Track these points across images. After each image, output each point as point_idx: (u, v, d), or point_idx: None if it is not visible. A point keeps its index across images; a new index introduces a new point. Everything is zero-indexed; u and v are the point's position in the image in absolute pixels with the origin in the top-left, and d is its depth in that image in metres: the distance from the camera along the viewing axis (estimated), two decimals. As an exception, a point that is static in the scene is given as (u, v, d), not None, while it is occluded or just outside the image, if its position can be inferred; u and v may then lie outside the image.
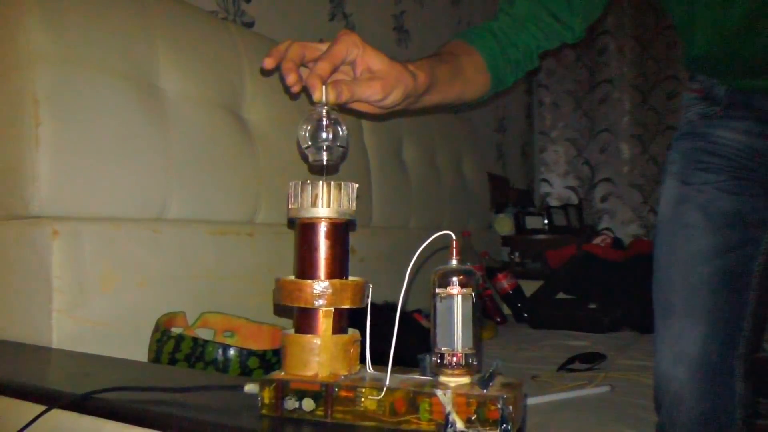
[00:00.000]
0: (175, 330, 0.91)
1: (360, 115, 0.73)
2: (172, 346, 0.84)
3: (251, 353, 0.83)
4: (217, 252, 1.05)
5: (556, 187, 3.05)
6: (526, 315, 1.89)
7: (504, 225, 2.42)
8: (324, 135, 0.53)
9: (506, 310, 1.96)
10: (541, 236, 2.41)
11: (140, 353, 0.88)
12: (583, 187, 3.00)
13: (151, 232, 0.95)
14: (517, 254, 2.45)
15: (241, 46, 1.20)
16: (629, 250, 2.04)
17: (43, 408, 0.53)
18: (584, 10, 0.82)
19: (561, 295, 2.00)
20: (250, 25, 1.44)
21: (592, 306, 1.82)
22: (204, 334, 0.97)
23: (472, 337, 0.47)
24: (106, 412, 0.52)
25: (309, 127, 0.54)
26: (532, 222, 2.44)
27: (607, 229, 2.87)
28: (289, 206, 0.51)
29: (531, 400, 1.01)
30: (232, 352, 0.82)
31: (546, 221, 2.52)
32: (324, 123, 0.53)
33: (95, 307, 0.85)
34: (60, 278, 0.82)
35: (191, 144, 1.03)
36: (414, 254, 0.51)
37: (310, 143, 0.54)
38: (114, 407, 0.52)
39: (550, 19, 0.81)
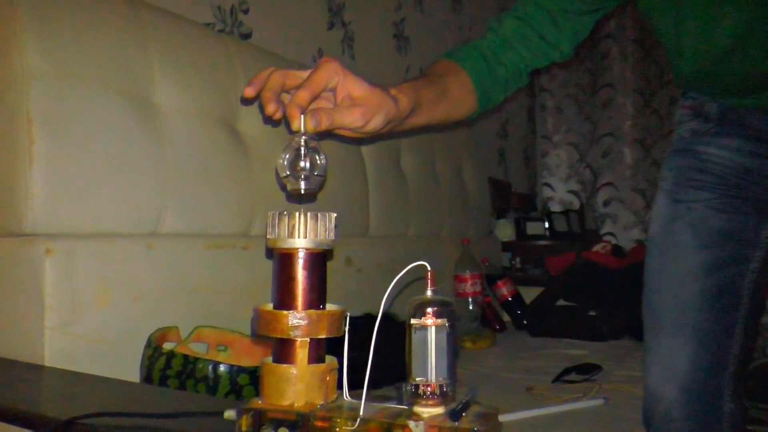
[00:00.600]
0: (167, 345, 0.92)
1: (341, 139, 0.74)
2: (163, 362, 0.84)
3: (242, 370, 0.84)
4: (212, 265, 1.06)
5: (559, 191, 3.04)
6: (525, 323, 1.89)
7: (505, 231, 2.42)
8: (302, 164, 0.54)
9: (506, 318, 1.97)
10: (542, 242, 2.41)
11: (134, 369, 0.89)
12: (586, 192, 3.00)
13: (145, 247, 0.95)
14: (518, 260, 2.45)
15: (236, 59, 1.20)
16: (629, 257, 2.03)
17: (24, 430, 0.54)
18: (571, 30, 0.83)
19: (561, 303, 2.00)
20: (247, 35, 1.45)
21: (592, 314, 1.82)
22: (197, 348, 0.98)
23: (446, 367, 0.47)
24: (88, 438, 0.53)
25: (288, 156, 0.54)
26: (533, 228, 2.43)
27: (609, 234, 2.86)
28: (267, 236, 0.51)
29: (523, 414, 1.01)
30: (222, 368, 0.83)
31: (547, 227, 2.52)
32: (302, 152, 0.54)
33: (89, 324, 0.86)
34: (52, 296, 0.83)
35: (186, 158, 1.04)
36: (389, 285, 0.51)
37: (288, 172, 0.54)
38: (94, 433, 0.53)
39: (537, 39, 0.82)
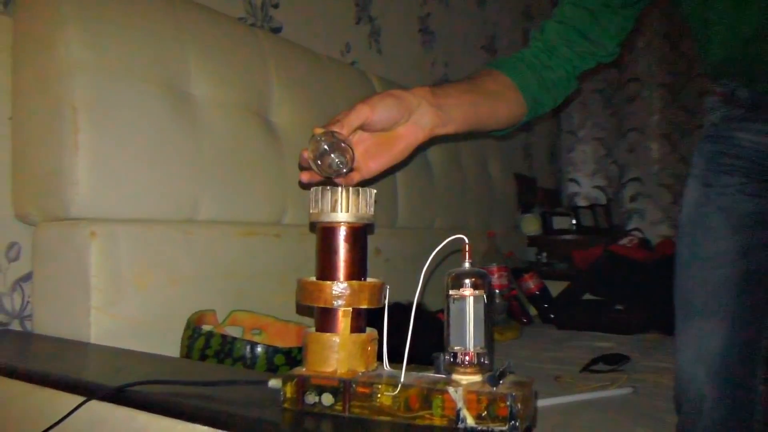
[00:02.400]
0: (206, 327, 0.94)
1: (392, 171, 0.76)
2: (202, 342, 0.87)
3: (277, 350, 0.86)
4: (246, 252, 1.09)
5: (584, 186, 3.03)
6: (552, 316, 1.90)
7: (531, 225, 2.42)
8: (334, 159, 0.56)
9: (533, 311, 1.97)
10: (568, 237, 2.41)
11: (172, 349, 0.92)
12: (612, 187, 2.98)
13: (183, 233, 0.98)
14: (544, 255, 2.45)
15: (268, 52, 1.23)
16: (657, 250, 2.02)
17: (82, 399, 0.57)
18: (614, 25, 0.83)
19: (588, 297, 2.00)
20: (277, 30, 1.48)
21: (619, 307, 1.81)
22: (233, 331, 1.01)
23: (483, 337, 0.49)
24: (140, 403, 0.55)
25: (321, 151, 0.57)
26: (559, 222, 2.43)
27: (636, 229, 2.84)
28: (311, 211, 0.54)
29: (552, 401, 1.02)
30: (259, 349, 0.85)
31: (573, 221, 2.51)
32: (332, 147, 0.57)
33: (130, 305, 0.90)
34: (97, 277, 0.87)
35: (221, 148, 1.07)
36: (429, 256, 0.53)
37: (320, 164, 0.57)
38: (147, 399, 0.55)
39: (580, 39, 0.83)
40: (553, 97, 0.86)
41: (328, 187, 0.53)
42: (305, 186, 0.63)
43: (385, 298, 0.54)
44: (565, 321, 1.83)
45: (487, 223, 1.97)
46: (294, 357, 0.89)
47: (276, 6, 1.48)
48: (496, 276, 1.83)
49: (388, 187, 1.51)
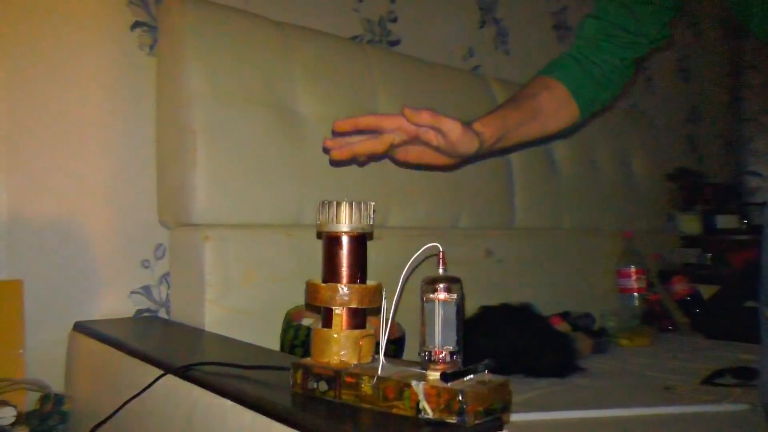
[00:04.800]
0: (306, 321, 1.06)
1: (432, 167, 0.84)
2: (292, 334, 0.99)
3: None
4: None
5: (769, 179, 2.70)
6: (701, 323, 1.75)
7: (690, 224, 2.23)
8: None
9: (683, 317, 1.83)
10: (734, 237, 2.18)
11: (273, 338, 1.05)
12: (800, 180, 2.62)
13: (286, 236, 1.11)
14: (706, 256, 2.24)
15: (375, 66, 1.32)
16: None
17: (161, 372, 0.71)
18: (651, 14, 0.80)
19: (751, 303, 1.80)
20: (395, 43, 1.56)
21: (781, 316, 1.62)
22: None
23: (454, 338, 0.53)
24: (195, 380, 0.68)
25: None
26: (723, 221, 2.21)
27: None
28: (317, 221, 0.61)
29: (634, 410, 0.97)
30: (337, 341, 0.95)
31: (745, 220, 2.26)
32: None
33: (237, 299, 1.04)
34: (210, 274, 1.03)
35: (323, 159, 1.18)
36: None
37: None
38: (199, 377, 0.67)
39: (619, 32, 0.81)
40: (609, 91, 0.85)
41: (331, 201, 0.60)
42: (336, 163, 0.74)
43: (384, 298, 0.60)
44: (714, 329, 1.67)
45: (628, 222, 1.87)
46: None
47: (394, 20, 1.57)
48: (633, 278, 1.74)
49: (502, 187, 1.52)
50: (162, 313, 1.18)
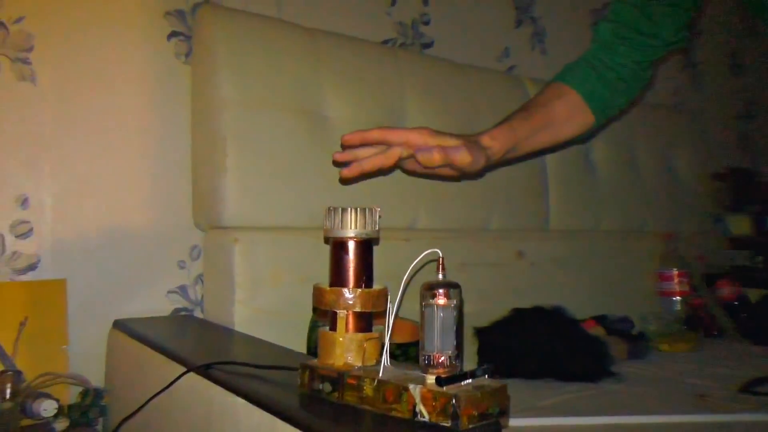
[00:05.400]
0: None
1: (440, 178, 0.85)
2: (316, 335, 1.01)
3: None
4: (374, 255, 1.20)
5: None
6: (749, 328, 1.68)
7: (740, 225, 2.15)
8: None
9: (730, 322, 1.76)
10: (789, 238, 2.08)
11: (300, 339, 1.07)
12: None
13: (314, 239, 1.14)
14: (760, 259, 2.15)
15: (405, 69, 1.33)
16: None
17: (185, 369, 0.74)
18: (667, 15, 0.78)
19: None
20: (428, 45, 1.57)
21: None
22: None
23: (452, 342, 0.53)
24: (213, 378, 0.70)
25: None
26: (776, 222, 2.12)
27: None
28: (324, 227, 0.63)
29: (658, 418, 0.95)
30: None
31: (801, 221, 2.16)
32: None
33: (265, 300, 1.07)
34: (239, 275, 1.06)
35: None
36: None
37: None
38: (216, 376, 0.70)
39: (634, 34, 0.80)
40: (625, 95, 0.83)
41: (338, 207, 0.62)
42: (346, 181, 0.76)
43: (389, 302, 0.61)
44: (763, 335, 1.61)
45: (671, 223, 1.82)
46: (407, 351, 0.98)
47: (427, 23, 1.57)
48: (676, 281, 1.69)
49: (535, 188, 1.51)
50: (197, 313, 1.23)
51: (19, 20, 1.07)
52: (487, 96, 1.46)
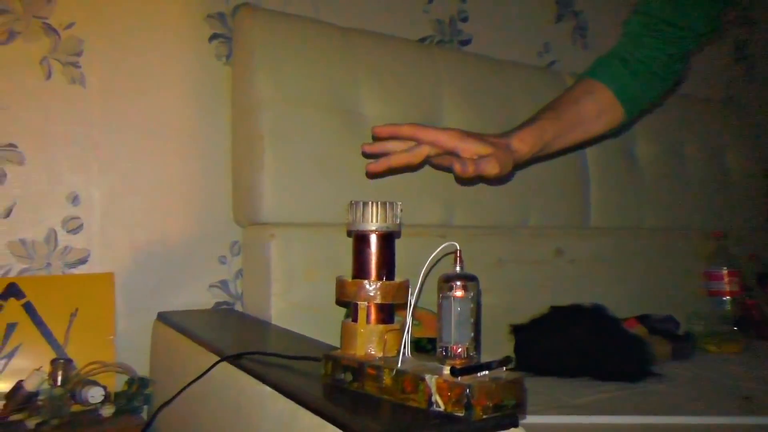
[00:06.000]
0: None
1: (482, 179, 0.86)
2: (350, 328, 1.03)
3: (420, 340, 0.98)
4: (409, 251, 1.21)
5: None
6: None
7: (797, 223, 2.06)
8: None
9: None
10: None
11: (334, 332, 1.09)
12: None
13: (346, 234, 1.15)
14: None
15: (441, 66, 1.34)
16: None
17: (215, 357, 0.77)
18: (700, 7, 0.76)
19: None
20: (466, 42, 1.57)
21: None
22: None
23: (469, 334, 0.54)
24: (243, 367, 0.73)
25: None
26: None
27: None
28: (347, 220, 0.64)
29: (698, 419, 0.92)
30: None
31: None
32: None
33: (300, 294, 1.10)
34: (275, 270, 1.09)
35: (386, 159, 1.22)
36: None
37: None
38: (245, 365, 0.72)
39: (665, 26, 0.78)
40: (657, 88, 0.81)
41: (360, 201, 0.63)
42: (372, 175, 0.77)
43: (411, 295, 0.62)
44: (818, 338, 1.54)
45: (721, 220, 1.76)
46: (423, 347, 1.00)
47: (464, 20, 1.57)
48: (725, 281, 1.64)
49: (574, 185, 1.49)
50: (238, 306, 1.26)
51: (69, 26, 1.13)
52: (526, 92, 1.44)
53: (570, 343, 1.23)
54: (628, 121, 0.87)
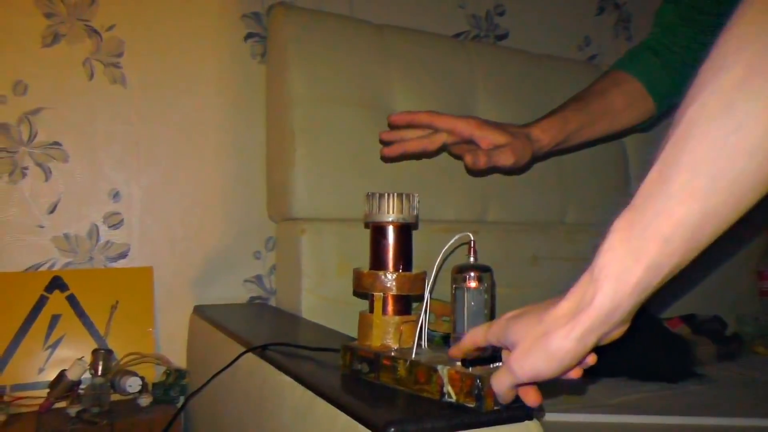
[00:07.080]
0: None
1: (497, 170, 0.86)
2: (379, 322, 1.03)
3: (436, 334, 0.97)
4: (442, 247, 1.20)
5: None
6: None
7: None
8: None
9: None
10: None
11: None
12: None
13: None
14: None
15: (476, 62, 1.32)
16: None
17: (244, 349, 0.78)
18: None
19: None
20: (503, 37, 1.55)
21: None
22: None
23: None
24: (266, 358, 0.74)
25: None
26: None
27: None
28: (365, 212, 0.64)
29: (728, 420, 0.88)
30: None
31: None
32: None
33: (331, 288, 1.10)
34: (306, 265, 1.10)
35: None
36: (440, 254, 0.59)
37: None
38: (268, 356, 0.73)
39: (698, 15, 0.75)
40: (690, 79, 0.78)
41: (377, 193, 0.63)
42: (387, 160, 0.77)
43: (426, 287, 0.61)
44: None
45: (774, 218, 1.68)
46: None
47: (501, 14, 1.55)
48: (777, 280, 1.57)
49: (615, 179, 1.45)
50: (272, 301, 1.28)
51: (111, 28, 1.17)
52: (565, 87, 1.41)
53: (609, 342, 1.19)
54: (660, 113, 0.84)
